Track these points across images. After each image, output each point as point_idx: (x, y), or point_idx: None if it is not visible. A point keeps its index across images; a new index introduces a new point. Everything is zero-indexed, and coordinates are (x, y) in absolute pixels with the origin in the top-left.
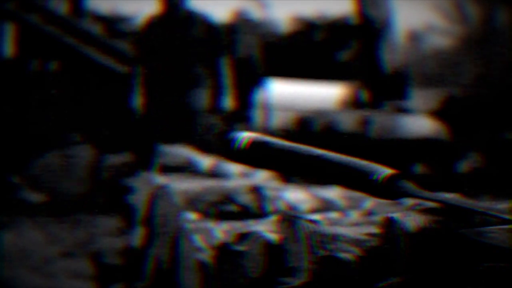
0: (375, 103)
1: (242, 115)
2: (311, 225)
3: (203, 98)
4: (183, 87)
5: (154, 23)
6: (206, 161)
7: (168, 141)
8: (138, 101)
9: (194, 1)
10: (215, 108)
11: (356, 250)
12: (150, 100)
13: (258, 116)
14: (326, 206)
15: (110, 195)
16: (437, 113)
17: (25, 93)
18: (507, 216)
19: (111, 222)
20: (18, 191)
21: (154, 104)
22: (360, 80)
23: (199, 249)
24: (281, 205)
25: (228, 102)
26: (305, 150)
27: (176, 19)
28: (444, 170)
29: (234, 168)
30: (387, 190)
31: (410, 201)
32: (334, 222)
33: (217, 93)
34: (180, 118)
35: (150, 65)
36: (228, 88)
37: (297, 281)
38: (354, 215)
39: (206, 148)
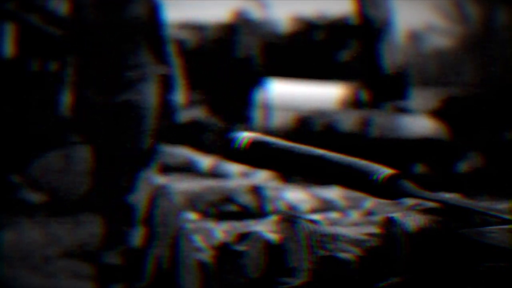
0: (375, 103)
1: (242, 115)
2: (311, 225)
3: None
4: (123, 81)
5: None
6: (206, 161)
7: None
8: (67, 100)
9: (194, 1)
10: (165, 103)
11: (356, 250)
12: (80, 98)
13: (258, 116)
14: (326, 206)
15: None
16: (437, 113)
17: (25, 93)
18: (507, 216)
19: (111, 222)
20: (18, 191)
21: (84, 103)
22: (360, 80)
23: (199, 249)
24: (281, 205)
25: (179, 96)
26: (305, 150)
27: None
28: (444, 170)
29: (234, 168)
30: (387, 190)
31: (410, 201)
32: (334, 222)
33: (166, 85)
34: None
35: (81, 52)
36: (178, 80)
37: (297, 281)
38: (354, 215)
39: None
